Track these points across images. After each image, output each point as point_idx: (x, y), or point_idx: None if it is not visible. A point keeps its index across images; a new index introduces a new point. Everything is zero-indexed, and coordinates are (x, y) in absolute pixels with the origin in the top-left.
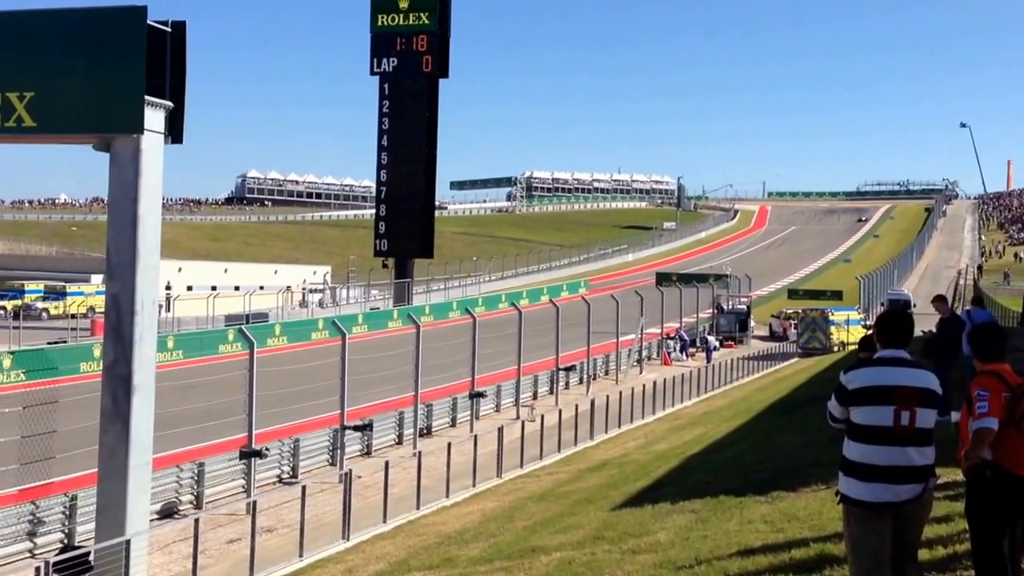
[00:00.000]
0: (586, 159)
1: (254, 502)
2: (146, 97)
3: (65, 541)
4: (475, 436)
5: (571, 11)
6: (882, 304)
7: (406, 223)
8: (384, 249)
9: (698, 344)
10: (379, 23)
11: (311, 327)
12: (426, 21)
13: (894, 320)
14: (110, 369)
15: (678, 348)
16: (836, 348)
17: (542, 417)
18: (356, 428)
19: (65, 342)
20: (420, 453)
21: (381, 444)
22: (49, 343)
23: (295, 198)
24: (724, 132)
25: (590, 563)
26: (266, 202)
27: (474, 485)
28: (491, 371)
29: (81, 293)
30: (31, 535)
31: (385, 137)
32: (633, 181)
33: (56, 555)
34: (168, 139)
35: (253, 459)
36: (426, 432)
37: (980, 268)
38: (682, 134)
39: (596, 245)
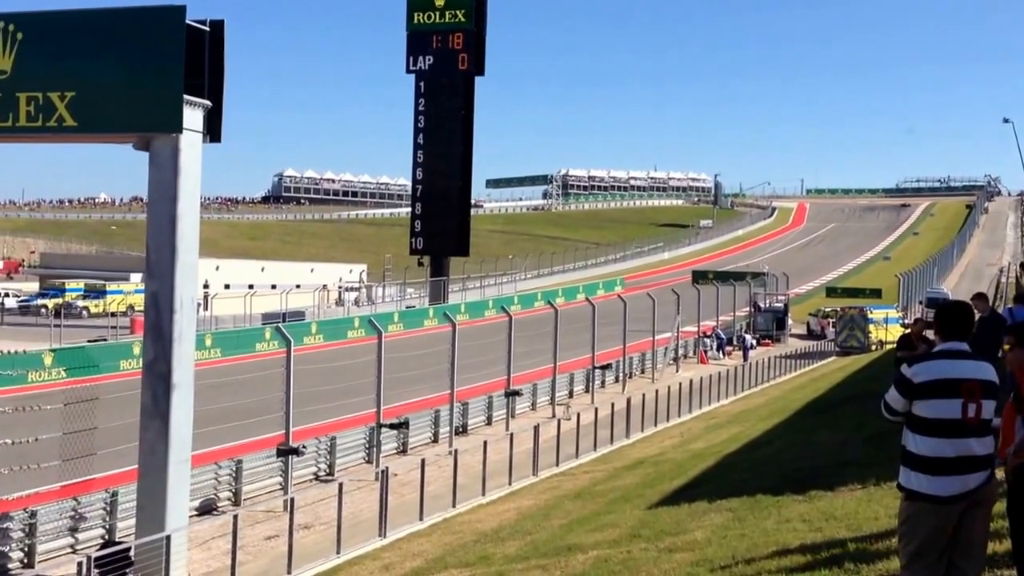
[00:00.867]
0: (622, 157)
1: (292, 499)
2: (185, 96)
3: (106, 536)
4: (511, 434)
5: (608, 9)
6: (921, 302)
7: (442, 221)
8: (420, 247)
9: (735, 342)
10: (415, 21)
11: (347, 325)
12: (462, 19)
13: (953, 312)
14: (150, 367)
15: (714, 346)
16: (874, 347)
17: (578, 415)
18: (392, 426)
19: (105, 340)
20: (456, 451)
21: (417, 442)
22: (89, 341)
23: (331, 197)
24: (762, 130)
25: (626, 561)
26: (302, 201)
27: (510, 483)
28: (527, 369)
29: (120, 292)
30: (73, 530)
31: (421, 135)
32: (669, 179)
33: (98, 550)
34: (206, 138)
35: (290, 456)
36: (462, 430)
37: (1023, 266)
38: (719, 132)
39: (632, 243)
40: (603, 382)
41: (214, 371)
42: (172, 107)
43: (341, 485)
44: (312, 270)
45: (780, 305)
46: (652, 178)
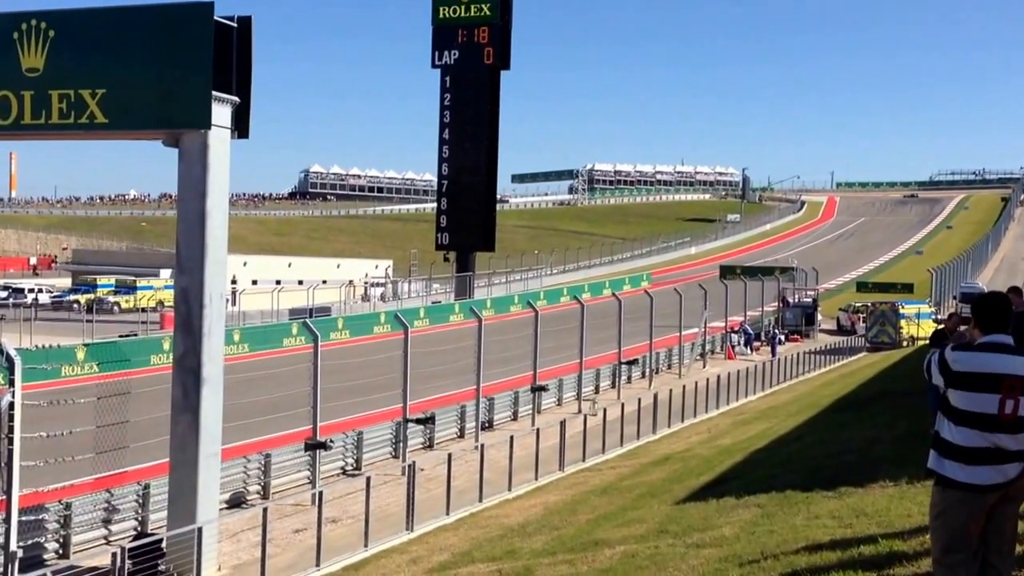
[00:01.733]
0: (649, 151)
1: (320, 493)
2: (213, 92)
3: (139, 528)
4: (537, 429)
5: (633, 3)
6: (955, 297)
7: (468, 216)
8: (446, 243)
9: (763, 338)
10: (441, 15)
11: (373, 321)
12: (488, 13)
13: (990, 303)
14: (180, 361)
15: (742, 342)
16: (906, 343)
17: (604, 411)
18: (418, 421)
19: (136, 335)
20: (482, 446)
21: (443, 437)
22: (121, 336)
23: (357, 192)
24: (791, 123)
25: (654, 556)
26: (329, 197)
27: (536, 478)
28: (553, 365)
29: (151, 287)
30: (107, 522)
31: (446, 130)
32: (697, 173)
33: (131, 541)
34: (234, 134)
35: (318, 451)
36: (488, 425)
37: None
38: (747, 125)
39: (659, 238)
40: (629, 377)
41: (242, 366)
42: (201, 103)
43: (369, 479)
44: (338, 266)
45: (809, 300)
46: (679, 172)
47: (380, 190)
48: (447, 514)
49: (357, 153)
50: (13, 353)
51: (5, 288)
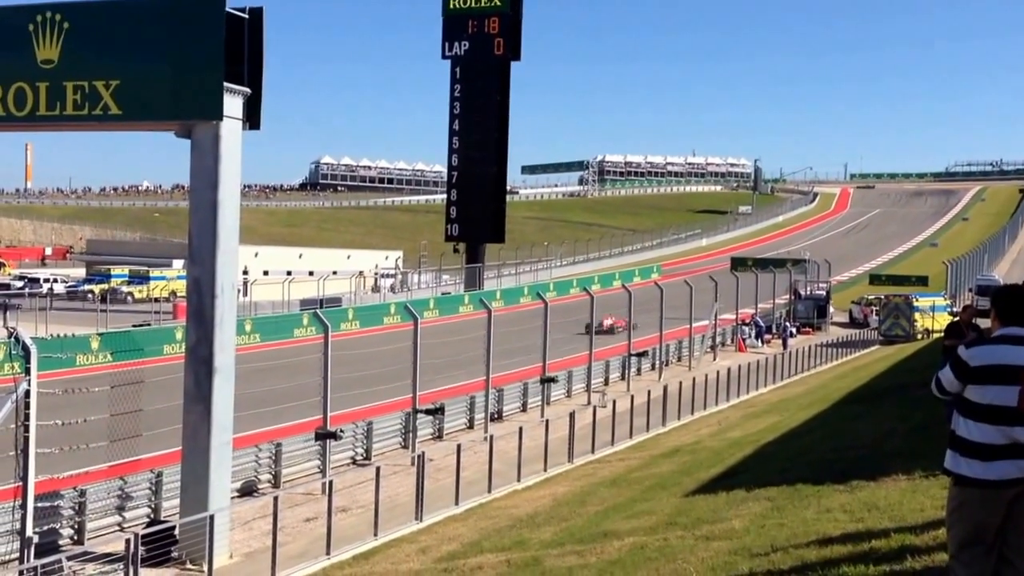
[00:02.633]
0: (660, 142)
1: (330, 482)
2: (225, 84)
3: (152, 515)
4: (546, 421)
5: None
6: (970, 290)
7: (477, 208)
8: (455, 234)
9: (774, 330)
10: (451, 6)
11: (383, 312)
12: (498, 3)
13: (1011, 295)
14: (192, 351)
15: (753, 334)
16: (920, 335)
17: (614, 403)
18: (428, 412)
19: (149, 325)
20: (492, 437)
21: (452, 428)
22: (134, 326)
23: (367, 183)
24: (803, 114)
25: (663, 548)
26: (339, 188)
27: (545, 470)
28: (562, 356)
29: (163, 278)
30: (120, 509)
31: (456, 121)
32: (708, 164)
33: (144, 528)
34: (246, 125)
35: (328, 440)
36: (497, 416)
37: None
38: (760, 116)
39: (669, 230)
40: (639, 369)
41: (254, 356)
42: (213, 95)
43: (379, 469)
44: (349, 257)
45: (822, 292)
46: (690, 163)
47: (390, 181)
48: (456, 504)
49: (367, 144)
50: (29, 342)
51: (21, 278)
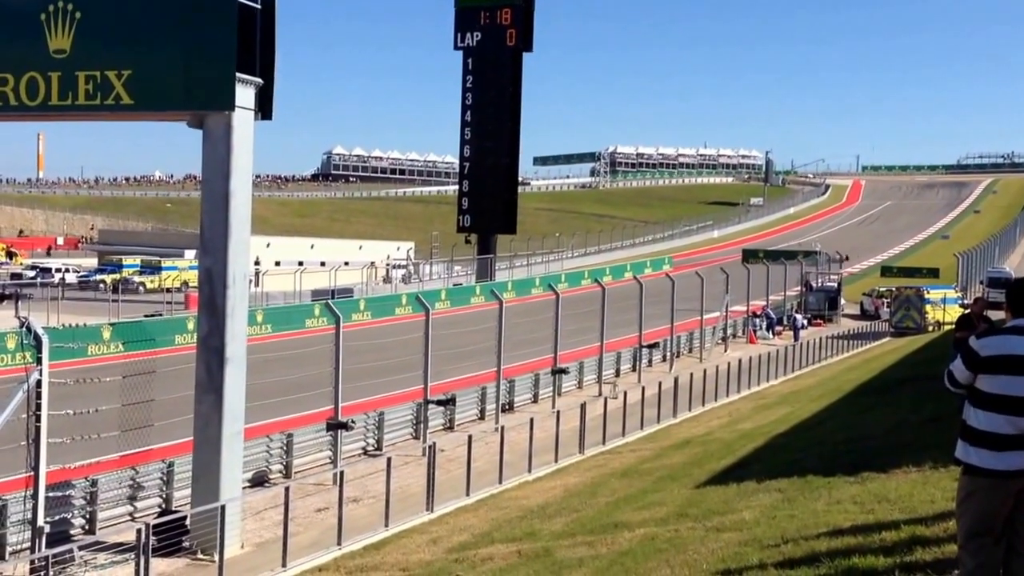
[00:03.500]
0: (671, 134)
1: (341, 472)
2: (237, 74)
3: (163, 505)
4: (557, 412)
5: None
6: (981, 282)
7: (489, 199)
8: (467, 225)
9: (785, 322)
10: None
11: (395, 302)
12: None
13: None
14: (204, 341)
15: (764, 326)
16: (931, 328)
17: (625, 394)
18: (439, 402)
19: (161, 315)
20: (503, 428)
21: (463, 419)
22: (146, 316)
23: (379, 174)
24: (815, 106)
25: (673, 540)
26: (351, 178)
27: (556, 461)
28: (574, 347)
29: (175, 268)
30: (132, 499)
31: (468, 112)
32: (719, 156)
33: (155, 518)
34: (258, 115)
35: (339, 431)
36: (508, 408)
37: None
38: (771, 108)
39: (681, 221)
40: (650, 361)
41: (265, 346)
42: (225, 85)
43: (390, 460)
44: (360, 247)
45: (833, 284)
46: (702, 155)
47: (402, 172)
48: (467, 495)
49: (379, 135)
50: (41, 332)
51: (33, 267)
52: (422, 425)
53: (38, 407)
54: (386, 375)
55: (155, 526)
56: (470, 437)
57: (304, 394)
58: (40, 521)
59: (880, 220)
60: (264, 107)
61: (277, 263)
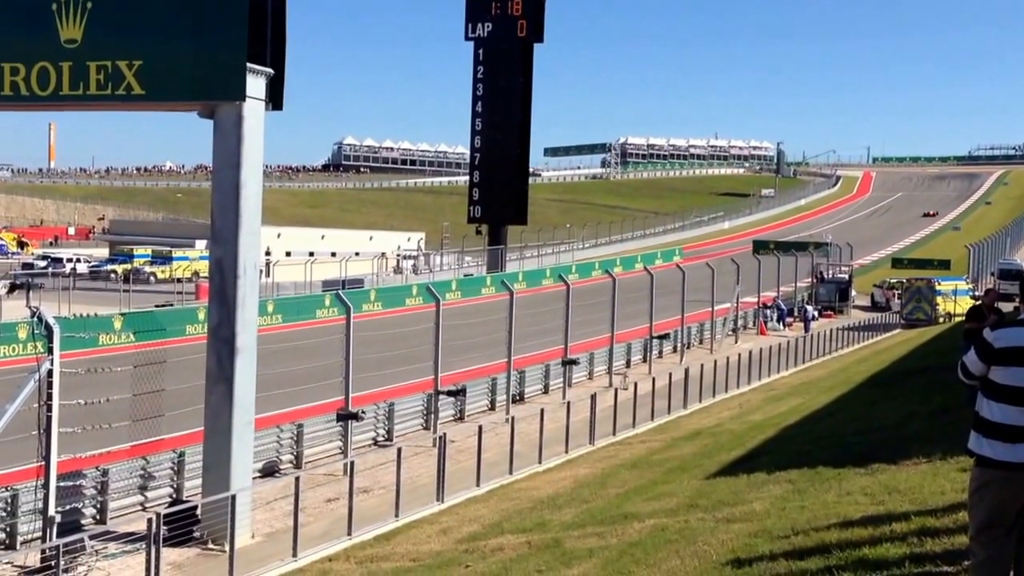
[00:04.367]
0: (682, 125)
1: (351, 463)
2: (248, 64)
3: (174, 495)
4: (567, 403)
5: None
6: (992, 274)
7: (500, 190)
8: (478, 216)
9: (796, 314)
10: None
11: (405, 293)
12: None
13: None
14: (215, 331)
15: (775, 317)
16: (942, 319)
17: (635, 385)
18: (450, 393)
19: (171, 305)
20: (513, 419)
21: (474, 409)
22: (157, 306)
23: (390, 165)
24: (827, 97)
25: (683, 531)
26: (362, 169)
27: (566, 451)
28: (584, 338)
29: (186, 258)
30: (143, 489)
31: (479, 103)
32: (731, 147)
33: (166, 508)
34: (269, 106)
35: (350, 421)
36: (518, 398)
37: None
38: (783, 99)
39: (692, 212)
40: (660, 352)
41: (276, 337)
42: (236, 75)
43: (400, 450)
44: (371, 238)
45: (844, 276)
46: (713, 146)
47: (413, 163)
48: (477, 486)
49: (390, 126)
50: (52, 321)
51: (44, 258)
52: (432, 416)
53: (49, 396)
54: (396, 365)
55: (166, 516)
56: (480, 428)
57: (314, 384)
58: (51, 511)
59: (891, 211)
60: (275, 97)
61: (288, 253)
